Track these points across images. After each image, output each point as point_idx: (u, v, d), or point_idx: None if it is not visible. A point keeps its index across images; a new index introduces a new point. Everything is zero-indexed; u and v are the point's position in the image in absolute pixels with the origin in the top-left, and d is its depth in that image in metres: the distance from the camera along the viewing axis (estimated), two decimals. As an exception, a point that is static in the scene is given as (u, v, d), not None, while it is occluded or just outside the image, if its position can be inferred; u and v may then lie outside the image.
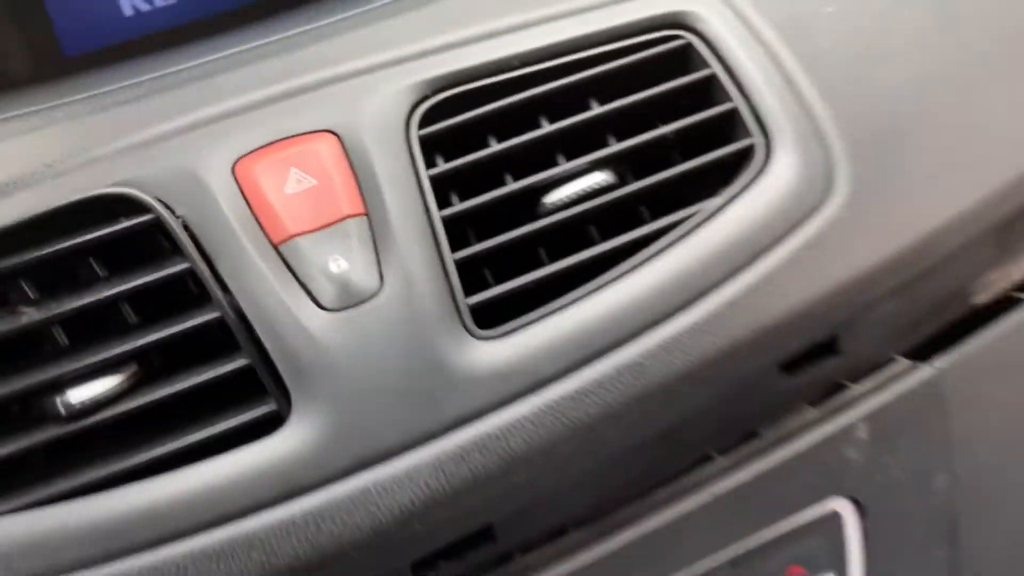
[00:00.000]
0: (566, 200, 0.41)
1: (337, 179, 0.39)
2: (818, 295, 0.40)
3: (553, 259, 0.39)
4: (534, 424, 0.36)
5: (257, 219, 0.38)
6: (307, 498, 0.34)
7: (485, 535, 0.39)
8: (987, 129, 0.45)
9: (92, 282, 0.37)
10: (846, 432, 0.43)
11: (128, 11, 0.52)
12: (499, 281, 0.39)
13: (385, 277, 0.37)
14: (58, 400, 0.35)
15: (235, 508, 0.33)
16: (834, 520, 0.44)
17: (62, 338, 0.36)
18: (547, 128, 0.41)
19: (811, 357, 0.44)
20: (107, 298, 0.36)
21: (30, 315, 0.36)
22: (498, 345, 0.37)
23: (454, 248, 0.38)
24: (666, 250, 0.39)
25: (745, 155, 0.42)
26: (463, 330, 0.37)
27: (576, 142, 0.42)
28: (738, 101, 0.42)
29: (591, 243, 0.40)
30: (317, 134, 0.40)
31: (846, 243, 0.41)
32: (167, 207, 0.37)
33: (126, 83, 0.45)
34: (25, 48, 0.47)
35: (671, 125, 0.42)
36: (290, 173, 0.39)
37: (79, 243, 0.36)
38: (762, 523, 0.42)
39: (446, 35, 0.43)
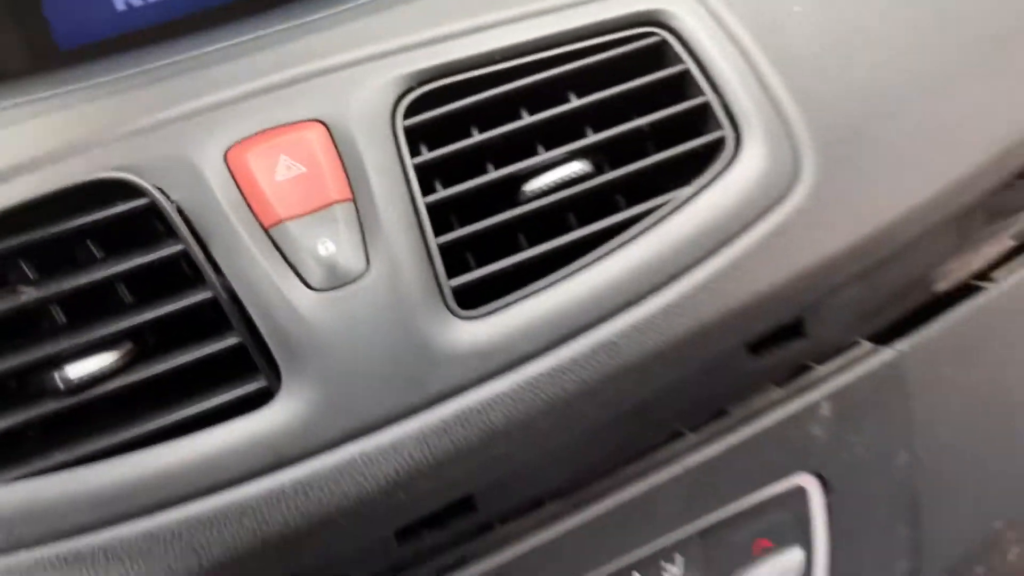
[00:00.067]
0: (545, 188, 0.42)
1: (325, 166, 0.40)
2: (784, 280, 0.42)
3: (532, 244, 0.41)
4: (513, 399, 0.38)
5: (248, 204, 0.39)
6: (296, 468, 0.35)
7: (467, 505, 0.40)
8: (945, 125, 0.47)
9: (89, 263, 0.38)
10: (811, 410, 0.44)
11: (120, 6, 0.53)
12: (480, 265, 0.40)
13: (371, 259, 0.38)
14: (56, 375, 0.36)
15: (227, 477, 0.35)
16: (800, 495, 0.46)
17: (60, 317, 0.38)
18: (527, 119, 0.43)
19: (778, 339, 0.46)
20: (103, 278, 0.37)
21: (29, 294, 0.37)
22: (479, 325, 0.38)
23: (437, 233, 0.40)
24: (640, 236, 0.41)
25: (716, 147, 0.43)
26: (446, 310, 0.38)
27: (555, 133, 0.43)
28: (710, 95, 0.44)
29: (569, 229, 0.41)
30: (306, 123, 0.41)
31: (811, 231, 0.43)
32: (162, 192, 0.38)
33: (119, 75, 0.46)
34: (20, 42, 0.48)
35: (646, 117, 0.44)
36: (280, 160, 0.40)
37: (77, 226, 0.38)
38: (730, 497, 0.44)
39: (431, 30, 0.44)
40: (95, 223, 0.38)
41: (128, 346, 0.37)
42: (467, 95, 0.42)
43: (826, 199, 0.43)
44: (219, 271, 0.38)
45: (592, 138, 0.43)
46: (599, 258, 0.40)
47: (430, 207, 0.40)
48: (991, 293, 0.51)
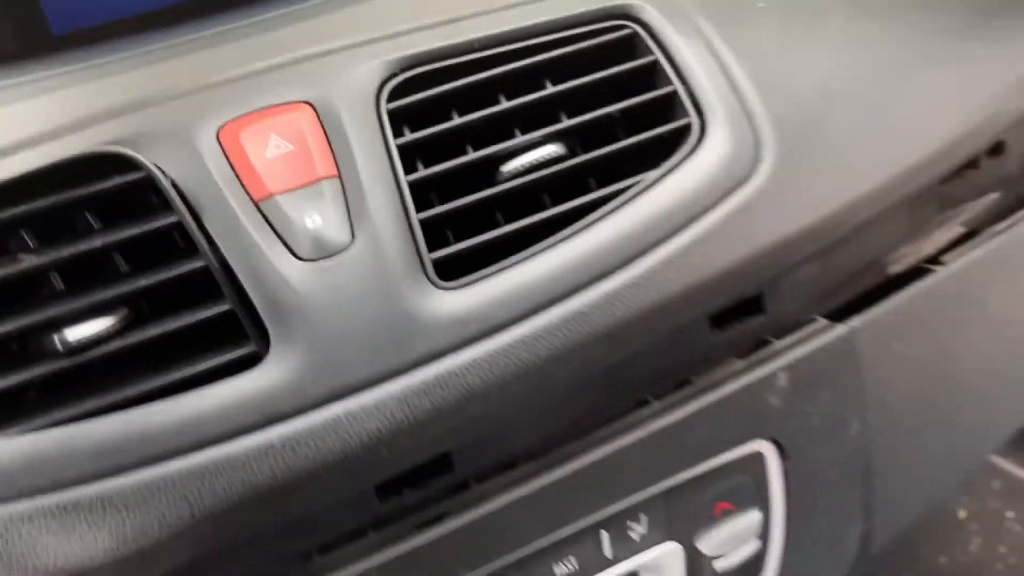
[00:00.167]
0: (521, 169, 0.44)
1: (313, 145, 0.42)
2: (744, 257, 0.45)
3: (509, 221, 0.43)
4: (489, 364, 0.40)
5: (240, 179, 0.41)
6: (284, 425, 0.37)
7: (444, 464, 0.43)
8: (898, 116, 0.50)
9: (87, 233, 0.40)
10: (768, 380, 0.47)
11: None
12: (459, 240, 0.42)
13: (356, 232, 0.40)
14: (56, 338, 0.38)
15: (219, 433, 0.37)
16: (758, 460, 0.49)
17: (58, 283, 0.39)
18: (505, 104, 0.45)
19: (739, 314, 0.48)
20: (101, 246, 0.39)
21: (29, 261, 0.38)
22: (458, 294, 0.40)
23: (419, 209, 0.42)
24: (610, 215, 0.43)
25: (682, 133, 0.46)
26: (426, 281, 0.40)
27: (531, 117, 0.45)
28: (677, 85, 0.46)
29: (543, 208, 0.44)
30: (295, 105, 0.43)
31: (769, 212, 0.45)
32: (158, 167, 0.40)
33: (113, 58, 0.48)
34: (14, 26, 0.49)
35: (617, 104, 0.46)
36: (270, 139, 0.42)
37: (75, 196, 0.39)
38: (692, 461, 0.47)
39: (415, 19, 0.46)
40: (93, 194, 0.40)
41: (124, 312, 0.39)
42: (448, 81, 0.44)
43: (784, 183, 0.45)
44: (211, 242, 0.39)
45: (566, 123, 0.45)
46: (571, 235, 0.43)
47: (412, 185, 0.42)
48: (940, 275, 0.54)
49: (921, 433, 0.54)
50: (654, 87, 0.47)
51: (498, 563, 0.44)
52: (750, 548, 0.50)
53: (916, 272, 0.55)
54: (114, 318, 0.39)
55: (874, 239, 0.54)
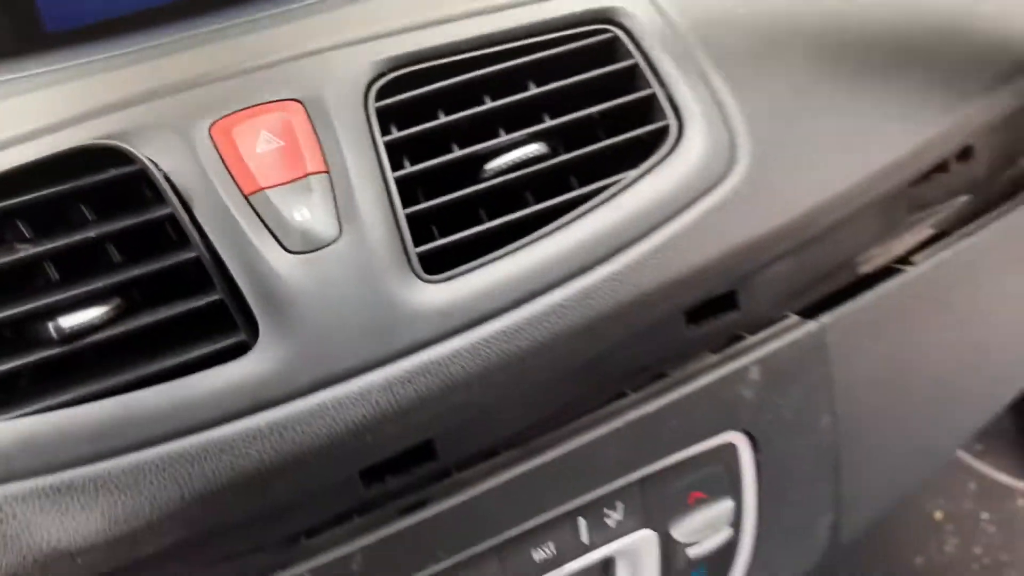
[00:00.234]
0: (505, 167, 0.46)
1: (302, 141, 0.43)
2: (718, 254, 0.46)
3: (492, 218, 0.44)
4: (471, 354, 0.41)
5: (231, 173, 0.42)
6: (272, 411, 0.39)
7: (428, 452, 0.44)
8: (868, 120, 0.52)
9: (82, 225, 0.41)
10: (741, 374, 0.49)
11: None
12: (444, 235, 0.44)
13: (343, 226, 0.42)
14: (50, 325, 0.39)
15: (209, 418, 0.38)
16: (731, 451, 0.51)
17: (53, 273, 0.40)
18: (490, 104, 0.46)
19: (713, 310, 0.50)
20: (95, 237, 0.40)
21: (25, 250, 0.39)
22: (442, 287, 0.42)
23: (405, 205, 0.43)
24: (590, 212, 0.45)
25: (660, 134, 0.47)
26: (412, 273, 0.42)
27: (515, 117, 0.47)
28: (656, 88, 0.48)
29: (526, 205, 0.45)
30: (285, 102, 0.44)
31: (743, 212, 0.47)
32: (151, 161, 0.41)
33: (108, 55, 0.49)
34: (9, 23, 0.50)
35: (598, 106, 0.48)
36: (260, 135, 0.43)
37: (70, 188, 0.40)
38: (667, 451, 0.49)
39: (403, 20, 0.47)
40: (88, 186, 0.41)
41: (117, 301, 0.40)
42: (435, 81, 0.46)
43: (758, 184, 0.47)
44: (202, 234, 0.41)
45: (548, 123, 0.47)
46: (552, 231, 0.44)
47: (399, 181, 0.43)
48: (909, 275, 0.56)
49: (889, 428, 0.56)
50: (634, 90, 0.48)
51: (479, 548, 0.45)
52: (723, 536, 0.52)
53: (886, 272, 0.57)
54: (107, 307, 0.40)
55: (846, 239, 0.56)
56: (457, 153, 0.45)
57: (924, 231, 0.62)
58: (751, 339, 0.51)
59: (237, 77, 0.45)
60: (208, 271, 0.40)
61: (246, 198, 0.41)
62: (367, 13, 0.48)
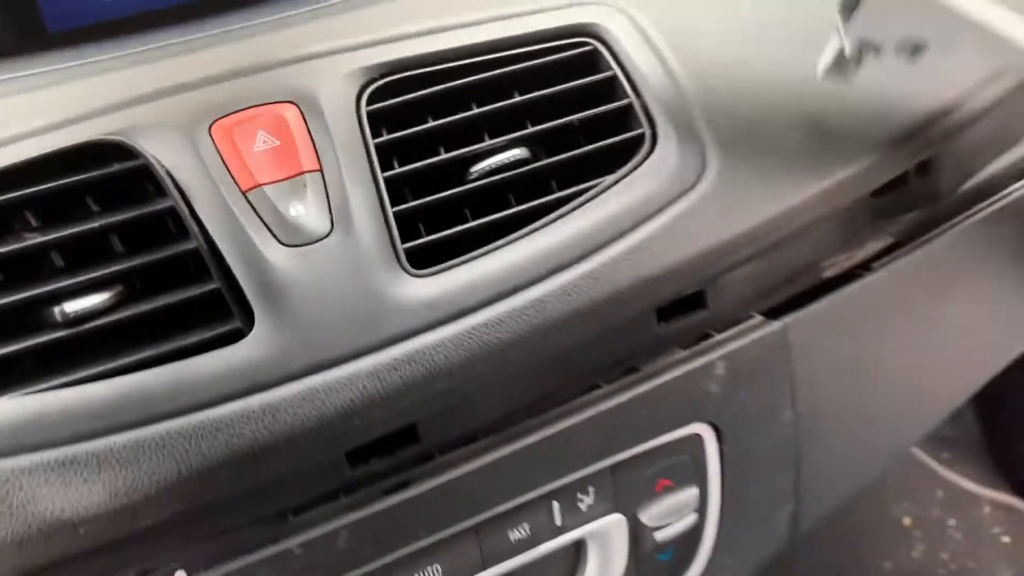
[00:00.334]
0: (489, 170, 0.48)
1: (297, 141, 0.45)
2: (687, 256, 0.49)
3: (476, 217, 0.47)
4: (454, 344, 0.44)
5: (229, 170, 0.44)
6: (266, 394, 0.41)
7: (411, 436, 0.46)
8: (831, 131, 0.54)
9: (87, 216, 0.43)
10: (708, 369, 0.52)
11: None
12: (430, 233, 0.46)
13: (335, 222, 0.44)
14: (56, 310, 0.41)
15: (205, 399, 0.40)
16: (697, 442, 0.53)
17: (59, 261, 0.43)
18: (475, 110, 0.49)
19: (683, 309, 0.53)
20: (99, 227, 0.42)
21: (32, 239, 0.42)
22: (428, 281, 0.44)
23: (394, 203, 0.45)
24: (568, 214, 0.47)
25: (636, 142, 0.50)
26: (399, 268, 0.44)
27: (499, 123, 0.49)
28: (632, 98, 0.50)
29: (508, 206, 0.48)
30: (282, 104, 0.46)
31: (712, 216, 0.50)
32: (154, 157, 0.43)
33: (110, 56, 0.51)
34: (10, 23, 0.52)
35: (577, 114, 0.50)
36: (258, 134, 0.46)
37: (77, 181, 0.43)
38: (637, 440, 0.51)
39: (395, 29, 0.50)
40: (93, 180, 0.43)
41: (119, 288, 0.42)
42: (424, 87, 0.48)
43: (726, 190, 0.50)
44: (201, 226, 0.43)
45: (531, 129, 0.49)
46: (533, 231, 0.47)
47: (388, 181, 0.46)
48: (868, 279, 0.59)
49: (847, 423, 0.59)
50: (612, 99, 0.51)
51: (458, 527, 0.48)
52: (688, 521, 0.54)
53: (847, 276, 0.60)
54: (110, 294, 0.42)
55: (809, 245, 0.59)
56: (444, 156, 0.47)
57: (884, 239, 0.64)
58: (718, 337, 0.54)
59: (236, 79, 0.47)
60: (206, 261, 0.43)
61: (243, 194, 0.44)
62: (361, 22, 0.51)
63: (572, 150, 0.49)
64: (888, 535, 1.35)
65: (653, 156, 0.49)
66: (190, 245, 0.43)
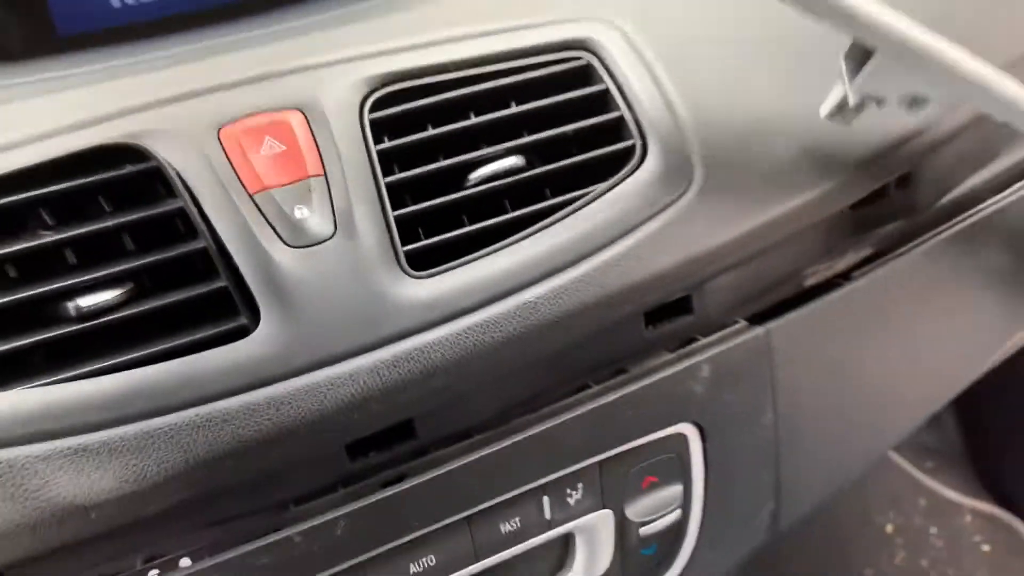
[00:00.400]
0: (486, 176, 0.50)
1: (303, 147, 0.47)
2: (674, 263, 0.51)
3: (473, 222, 0.48)
4: (450, 343, 0.46)
5: (237, 174, 0.46)
6: (270, 388, 0.43)
7: (408, 431, 0.48)
8: (813, 146, 0.56)
9: (100, 215, 0.45)
10: (693, 371, 0.54)
11: (115, 3, 0.57)
12: (429, 236, 0.48)
13: (339, 225, 0.45)
14: (69, 305, 0.42)
15: (212, 392, 0.42)
16: (682, 440, 0.55)
17: (72, 258, 0.44)
18: (474, 120, 0.50)
19: (670, 313, 0.55)
20: (111, 226, 0.44)
21: (47, 237, 0.43)
22: (426, 283, 0.46)
23: (395, 207, 0.47)
24: (561, 220, 0.49)
25: (627, 152, 0.52)
26: (399, 270, 0.46)
27: (496, 132, 0.51)
28: (624, 111, 0.52)
29: (504, 211, 0.49)
30: (288, 111, 0.48)
31: (698, 225, 0.52)
32: (165, 160, 0.45)
33: (120, 62, 0.52)
34: (21, 25, 0.53)
35: (571, 125, 0.52)
36: (264, 140, 0.47)
37: (91, 181, 0.44)
38: (625, 438, 0.53)
39: (397, 40, 0.51)
40: (106, 181, 0.44)
41: (129, 286, 0.44)
42: (425, 96, 0.50)
43: (711, 201, 0.52)
44: (210, 227, 0.44)
45: (527, 138, 0.51)
46: (527, 236, 0.49)
47: (389, 186, 0.47)
48: (847, 288, 0.61)
49: (826, 426, 0.61)
50: (605, 111, 0.53)
51: (451, 519, 0.49)
52: (672, 517, 0.56)
53: (828, 285, 0.62)
54: (121, 290, 0.44)
55: (792, 254, 0.61)
56: (443, 163, 0.49)
57: (865, 250, 0.67)
58: (703, 340, 0.56)
59: (244, 87, 0.49)
60: (214, 260, 0.44)
61: (251, 196, 0.45)
62: (365, 33, 0.53)
63: (565, 159, 0.51)
64: (871, 542, 1.37)
65: (642, 167, 0.51)
66: (199, 244, 0.44)
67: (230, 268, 0.44)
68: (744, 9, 0.58)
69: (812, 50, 0.57)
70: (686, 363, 0.54)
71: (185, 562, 0.44)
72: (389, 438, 0.48)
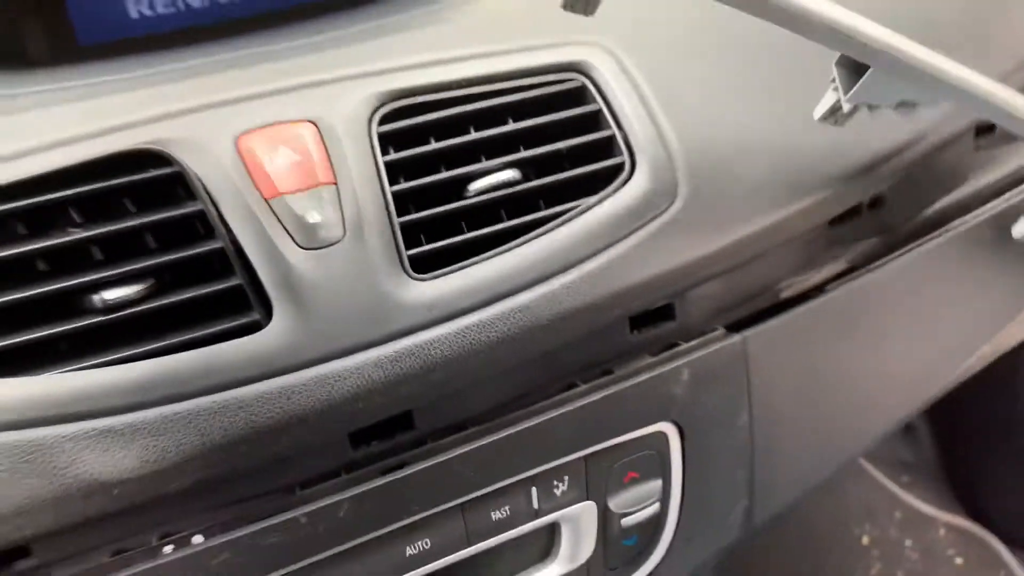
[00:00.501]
0: (485, 188, 0.52)
1: (315, 156, 0.49)
2: (657, 272, 0.54)
3: (472, 229, 0.51)
4: (449, 341, 0.49)
5: (253, 180, 0.48)
6: (282, 379, 0.45)
7: (407, 423, 0.51)
8: (791, 166, 0.59)
9: (125, 215, 0.47)
10: (674, 374, 0.57)
11: (134, 14, 0.60)
12: (431, 242, 0.50)
13: (347, 229, 0.48)
14: (95, 297, 0.45)
15: (228, 381, 0.45)
16: (662, 439, 0.58)
17: (98, 254, 0.47)
18: (474, 135, 0.53)
19: (653, 320, 0.58)
20: (135, 226, 0.46)
21: (76, 234, 0.46)
22: (428, 285, 0.49)
23: (400, 214, 0.49)
24: (554, 230, 0.52)
25: (616, 169, 0.55)
26: (403, 272, 0.48)
27: (495, 147, 0.53)
28: (614, 130, 0.55)
29: (500, 220, 0.52)
30: (302, 122, 0.50)
31: (681, 238, 0.55)
32: (186, 165, 0.48)
33: (140, 72, 0.54)
34: (43, 33, 0.55)
35: (565, 142, 0.54)
36: (279, 149, 0.49)
37: (117, 183, 0.47)
38: (609, 435, 0.56)
39: (405, 59, 0.54)
40: (131, 183, 0.47)
41: (151, 281, 0.46)
42: (429, 112, 0.52)
43: (694, 216, 0.55)
44: (228, 228, 0.47)
45: (523, 153, 0.53)
46: (522, 244, 0.51)
47: (395, 194, 0.50)
48: (821, 300, 0.65)
49: (798, 429, 0.65)
50: (596, 130, 0.56)
51: (446, 505, 0.52)
52: (652, 510, 0.59)
53: (803, 296, 0.65)
54: (143, 285, 0.46)
55: (770, 267, 0.64)
56: (445, 174, 0.52)
57: (839, 265, 0.70)
58: (684, 346, 0.59)
59: (260, 98, 0.51)
60: (230, 259, 0.47)
61: (266, 201, 0.48)
62: (375, 51, 0.55)
63: (559, 173, 0.54)
64: (848, 553, 1.40)
65: (631, 182, 0.54)
66: (216, 244, 0.47)
67: (245, 267, 0.47)
68: (730, 36, 0.61)
69: (795, 73, 0.61)
70: (667, 366, 0.57)
71: (198, 539, 0.47)
72: (390, 428, 0.51)
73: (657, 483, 0.59)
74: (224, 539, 0.47)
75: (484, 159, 0.53)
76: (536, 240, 0.52)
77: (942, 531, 1.43)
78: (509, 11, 0.60)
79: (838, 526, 1.45)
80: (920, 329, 0.73)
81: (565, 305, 0.52)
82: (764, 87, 0.61)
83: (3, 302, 0.44)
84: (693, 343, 0.60)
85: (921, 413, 1.50)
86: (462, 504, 0.53)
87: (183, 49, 0.58)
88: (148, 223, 0.47)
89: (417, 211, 0.51)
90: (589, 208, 0.53)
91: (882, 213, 0.72)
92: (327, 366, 0.47)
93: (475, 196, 0.52)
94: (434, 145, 0.52)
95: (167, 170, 0.48)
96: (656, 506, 0.59)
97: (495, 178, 0.53)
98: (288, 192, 0.48)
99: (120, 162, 0.48)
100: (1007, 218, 0.77)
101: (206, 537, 0.47)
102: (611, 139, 0.55)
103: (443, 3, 0.60)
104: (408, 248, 0.49)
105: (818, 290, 0.67)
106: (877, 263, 0.70)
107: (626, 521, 0.58)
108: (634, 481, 0.58)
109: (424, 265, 0.50)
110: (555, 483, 0.55)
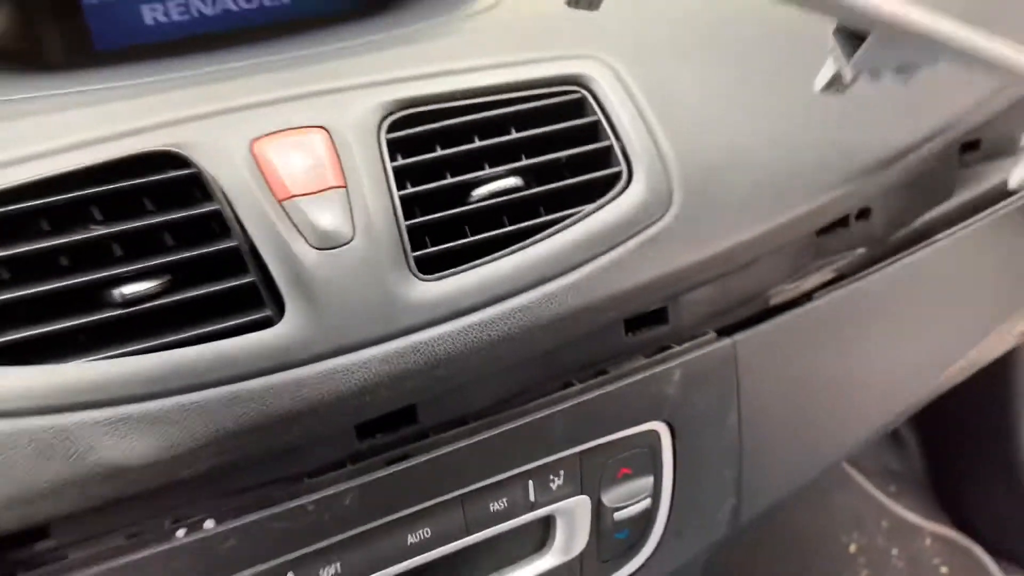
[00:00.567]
0: (487, 194, 0.53)
1: (326, 161, 0.50)
2: (651, 277, 0.56)
3: (475, 233, 0.53)
4: (452, 339, 0.50)
5: (267, 182, 0.49)
6: (292, 372, 0.47)
7: (411, 416, 0.53)
8: (782, 177, 0.61)
9: (143, 214, 0.49)
10: (666, 375, 0.59)
11: (149, 21, 0.62)
12: (436, 244, 0.52)
13: (357, 231, 0.49)
14: (115, 291, 0.46)
15: (241, 373, 0.46)
16: (654, 437, 0.60)
17: (118, 251, 0.48)
18: (478, 143, 0.54)
19: (647, 323, 0.60)
20: (154, 224, 0.48)
21: (97, 231, 0.47)
22: (433, 285, 0.50)
23: (406, 217, 0.51)
24: (553, 235, 0.54)
25: (614, 177, 0.56)
26: (409, 272, 0.50)
27: (497, 155, 0.55)
28: (612, 140, 0.56)
29: (502, 225, 0.53)
30: (314, 128, 0.52)
31: (674, 245, 0.57)
32: (203, 167, 0.49)
33: (156, 78, 0.56)
34: (60, 38, 0.57)
35: (565, 151, 0.56)
36: (292, 153, 0.51)
37: (136, 184, 0.48)
38: (603, 432, 0.58)
39: (414, 69, 0.55)
40: (151, 184, 0.48)
41: (168, 277, 0.48)
42: (436, 120, 0.54)
43: (688, 224, 0.57)
44: (242, 228, 0.48)
45: (524, 162, 0.55)
46: (522, 247, 0.53)
47: (402, 199, 0.51)
48: (809, 307, 0.67)
49: (785, 430, 0.67)
50: (595, 140, 0.57)
51: (447, 496, 0.54)
52: (643, 505, 0.61)
53: (791, 303, 0.67)
54: (160, 281, 0.48)
55: (760, 275, 0.66)
56: (450, 180, 0.53)
57: (827, 274, 0.72)
58: (676, 348, 0.61)
59: (274, 104, 0.53)
60: (244, 258, 0.48)
61: (279, 203, 0.49)
62: (384, 61, 0.57)
63: (558, 181, 0.55)
64: (835, 561, 1.41)
65: (627, 191, 0.56)
66: (231, 243, 0.48)
67: (259, 265, 0.48)
68: (726, 50, 0.63)
69: (788, 87, 0.63)
70: (660, 368, 0.59)
71: (209, 524, 0.49)
72: (394, 421, 0.53)
73: (649, 479, 0.61)
74: (235, 524, 0.48)
75: (488, 166, 0.55)
76: (536, 244, 0.54)
77: (928, 540, 1.45)
78: (513, 25, 0.62)
79: (826, 534, 1.46)
80: (903, 338, 0.76)
81: (563, 307, 0.53)
82: (757, 100, 0.63)
83: (27, 295, 0.45)
84: (685, 346, 0.61)
85: (909, 423, 1.53)
86: (462, 495, 0.55)
87: (197, 56, 0.59)
88: (166, 222, 0.48)
89: (423, 215, 0.52)
90: (587, 215, 0.55)
91: (868, 225, 0.74)
92: (336, 360, 0.48)
93: (478, 202, 0.54)
94: (440, 152, 0.54)
95: (184, 172, 0.49)
96: (647, 501, 0.61)
97: (498, 185, 0.54)
98: (300, 195, 0.50)
99: (139, 163, 0.49)
100: (989, 232, 0.80)
101: (217, 522, 0.48)
102: (609, 149, 0.57)
103: (450, 16, 0.62)
104: (414, 250, 0.51)
105: (806, 297, 0.69)
106: (863, 273, 0.72)
107: (618, 515, 0.60)
108: (627, 477, 0.60)
109: (429, 266, 0.51)
110: (551, 477, 0.57)
